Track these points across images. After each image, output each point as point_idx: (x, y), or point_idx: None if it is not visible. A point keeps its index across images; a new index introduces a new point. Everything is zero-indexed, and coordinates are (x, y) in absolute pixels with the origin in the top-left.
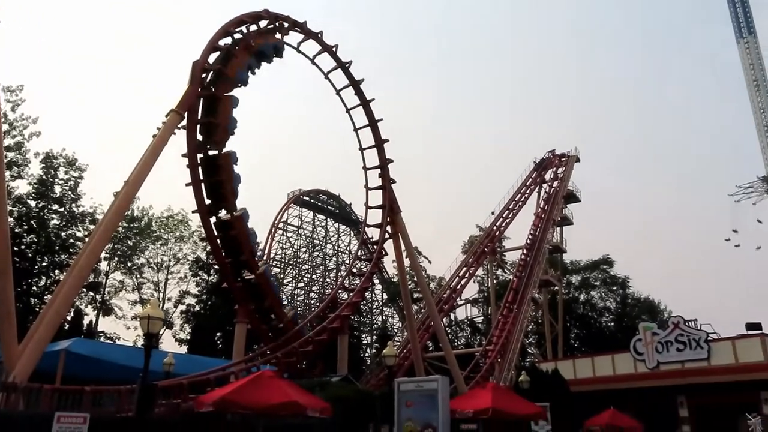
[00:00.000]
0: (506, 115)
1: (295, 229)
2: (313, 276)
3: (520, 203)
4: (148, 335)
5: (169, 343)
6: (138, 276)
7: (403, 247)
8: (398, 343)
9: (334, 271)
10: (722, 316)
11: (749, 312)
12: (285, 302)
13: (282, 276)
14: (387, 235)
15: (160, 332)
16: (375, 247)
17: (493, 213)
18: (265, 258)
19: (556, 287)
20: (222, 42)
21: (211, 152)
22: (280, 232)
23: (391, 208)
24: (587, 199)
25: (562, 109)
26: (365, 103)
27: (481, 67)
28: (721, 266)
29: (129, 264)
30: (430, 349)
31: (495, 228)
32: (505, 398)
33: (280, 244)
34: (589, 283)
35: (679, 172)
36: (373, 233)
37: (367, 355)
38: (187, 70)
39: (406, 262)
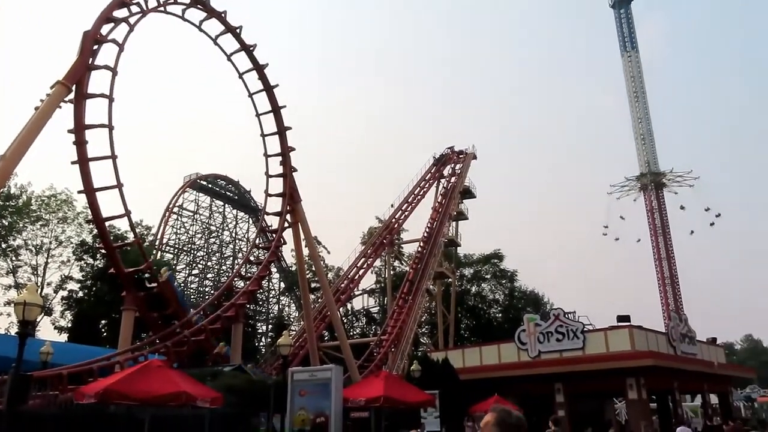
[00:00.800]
0: (409, 110)
1: (191, 214)
2: (209, 263)
3: (419, 197)
4: (24, 322)
5: (47, 331)
6: (13, 258)
7: (302, 237)
8: (294, 333)
9: (231, 258)
10: (597, 309)
11: (623, 304)
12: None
13: (175, 262)
14: (286, 224)
15: (38, 319)
16: (274, 235)
17: (392, 206)
18: (157, 243)
19: (450, 279)
20: (117, 13)
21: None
22: (175, 216)
23: (291, 196)
24: (482, 195)
25: (463, 108)
26: (269, 89)
27: (390, 60)
28: (600, 260)
29: (3, 245)
30: (326, 338)
31: (394, 220)
32: (397, 387)
33: (174, 229)
34: (481, 276)
35: (570, 173)
36: (273, 221)
37: (262, 344)
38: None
39: (305, 251)
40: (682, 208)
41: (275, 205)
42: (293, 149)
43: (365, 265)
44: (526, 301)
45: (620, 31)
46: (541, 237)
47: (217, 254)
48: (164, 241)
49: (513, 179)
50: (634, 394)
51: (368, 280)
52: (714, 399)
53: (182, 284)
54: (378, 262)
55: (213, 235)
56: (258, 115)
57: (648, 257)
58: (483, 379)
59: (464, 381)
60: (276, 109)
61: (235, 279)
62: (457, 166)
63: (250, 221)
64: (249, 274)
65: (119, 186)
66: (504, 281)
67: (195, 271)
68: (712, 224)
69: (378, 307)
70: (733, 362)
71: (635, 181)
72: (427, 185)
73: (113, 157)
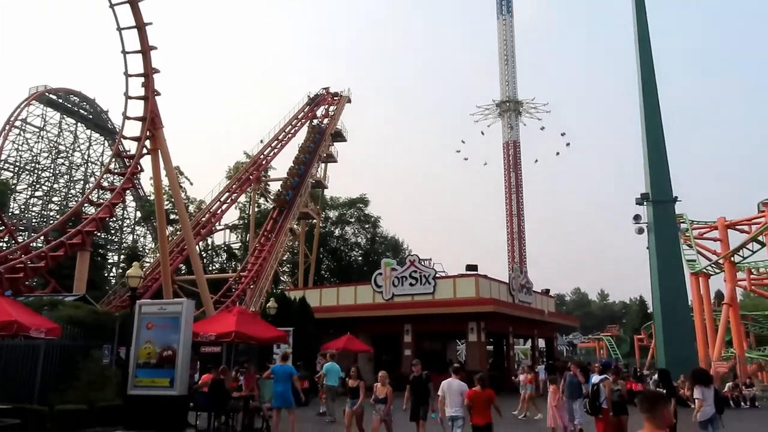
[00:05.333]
0: (287, 46)
1: (36, 130)
2: (55, 185)
3: (290, 135)
4: None
5: None
6: None
7: (162, 165)
8: (149, 265)
9: (82, 182)
10: (454, 257)
11: (479, 252)
12: (17, 211)
13: (15, 182)
14: (145, 150)
15: None
16: (130, 161)
17: (261, 141)
18: None
19: (315, 220)
20: None
21: None
22: (17, 131)
23: (152, 121)
24: (353, 140)
25: (342, 51)
26: (133, 2)
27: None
28: (462, 210)
29: None
30: (183, 272)
31: (262, 157)
32: (250, 323)
33: (16, 145)
34: (345, 220)
35: (438, 130)
36: (131, 146)
37: (112, 275)
38: None
39: (165, 180)
40: (542, 129)
41: (134, 129)
42: (157, 71)
43: (229, 200)
44: (387, 246)
45: None
46: (407, 187)
47: (65, 176)
48: (2, 157)
49: (384, 129)
50: (474, 336)
51: (231, 216)
52: (542, 343)
53: (23, 207)
54: (243, 198)
55: (62, 155)
56: (119, 29)
57: (502, 216)
58: (338, 318)
59: (320, 320)
60: (141, 26)
61: (85, 205)
62: (331, 108)
63: (106, 144)
64: (101, 201)
65: None
66: (367, 226)
67: (39, 194)
68: (557, 153)
69: (240, 244)
70: (561, 312)
71: (496, 107)
72: (299, 124)
73: None
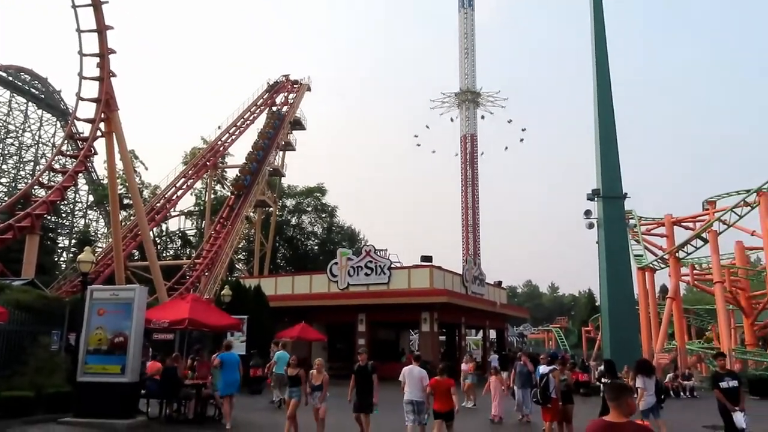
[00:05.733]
0: (248, 32)
1: None
2: (3, 166)
3: (249, 122)
4: None
5: None
6: None
7: (116, 149)
8: (101, 250)
9: (32, 163)
10: (410, 247)
11: (434, 244)
12: None
13: None
14: (99, 133)
15: None
16: (84, 143)
17: (219, 127)
18: None
19: (271, 209)
20: None
21: None
22: None
23: (107, 103)
24: (312, 129)
25: (303, 39)
26: None
27: None
28: (419, 202)
29: None
30: (136, 258)
31: (220, 143)
32: (203, 310)
33: None
34: (302, 209)
35: (398, 122)
36: (85, 128)
37: (63, 259)
38: None
39: (119, 164)
40: (509, 121)
41: (89, 110)
42: (114, 51)
43: (185, 186)
44: (343, 236)
45: None
46: (366, 177)
47: (14, 157)
48: None
49: (344, 118)
50: (427, 326)
51: (187, 202)
52: (493, 334)
53: None
54: (199, 184)
55: (11, 135)
56: (74, 6)
57: (459, 208)
58: (293, 307)
59: (275, 308)
60: (97, 5)
61: (35, 187)
62: (291, 96)
63: (58, 125)
64: (52, 183)
65: None
66: (324, 215)
67: None
68: (521, 140)
69: (195, 230)
70: (513, 304)
71: (455, 96)
72: (258, 111)
73: None
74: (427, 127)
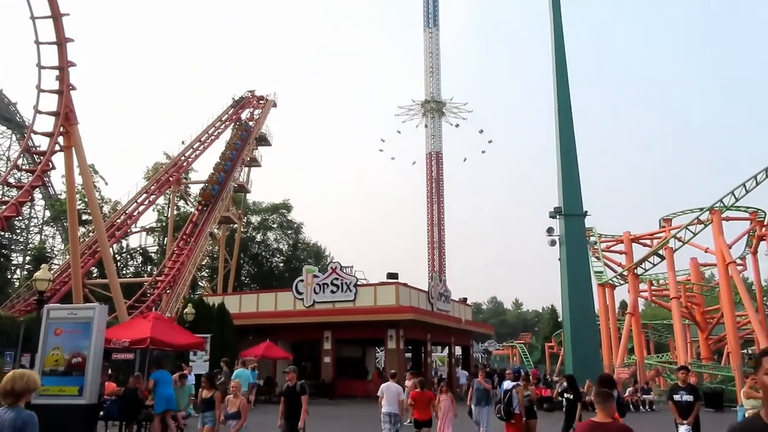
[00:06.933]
0: (213, 48)
1: None
2: None
3: (213, 137)
4: None
5: None
6: None
7: (76, 163)
8: (58, 267)
9: None
10: (375, 264)
11: (402, 261)
12: None
13: None
14: (58, 147)
15: None
16: (41, 157)
17: (183, 143)
18: None
19: (236, 225)
20: None
21: None
22: None
23: (66, 116)
24: (278, 145)
25: (269, 55)
26: None
27: None
28: (387, 219)
29: None
30: (95, 275)
31: (183, 158)
32: (165, 329)
33: None
34: (268, 225)
35: (364, 138)
36: (42, 142)
37: (16, 277)
38: None
39: (78, 179)
40: (481, 131)
41: (47, 124)
42: (74, 64)
43: (146, 202)
44: (309, 252)
45: (426, 8)
46: (333, 193)
47: None
48: None
49: (310, 135)
50: (393, 344)
51: (149, 218)
52: (459, 350)
53: None
54: (161, 200)
55: None
56: (33, 18)
57: (424, 225)
58: (258, 324)
59: (239, 326)
60: (57, 16)
61: None
62: (256, 112)
63: (14, 138)
64: (6, 198)
65: None
66: (290, 232)
67: None
68: (483, 151)
69: (157, 247)
70: (478, 320)
71: (420, 106)
72: (223, 126)
73: None
74: (399, 132)
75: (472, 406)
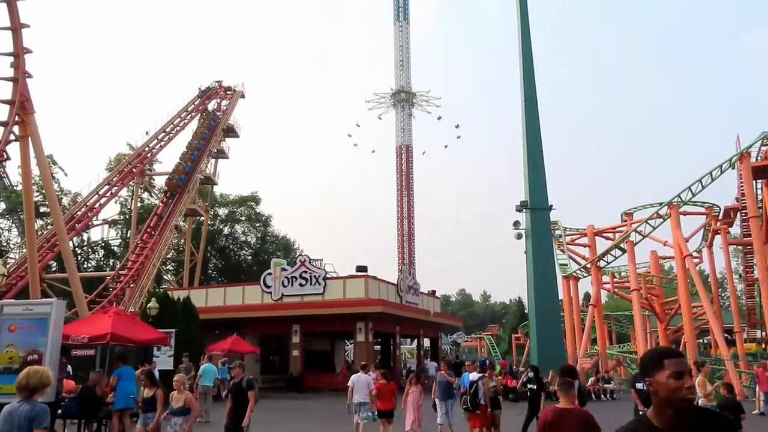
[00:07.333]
0: (179, 34)
1: None
2: None
3: (179, 128)
4: None
5: None
6: None
7: (32, 154)
8: (14, 261)
9: None
10: (344, 256)
11: (372, 253)
12: None
13: None
14: (13, 137)
15: None
16: None
17: (147, 133)
18: None
19: (203, 218)
20: None
21: None
22: None
23: (22, 105)
24: (247, 136)
25: (237, 46)
26: None
27: None
28: (356, 212)
29: None
30: (54, 269)
31: (147, 149)
32: (127, 324)
33: None
34: (235, 218)
35: (334, 128)
36: None
37: None
38: None
39: (35, 170)
40: (457, 126)
41: (1, 113)
42: (29, 51)
43: (109, 194)
44: (278, 245)
45: (396, 2)
46: (301, 186)
47: None
48: None
49: (279, 126)
50: (362, 336)
51: (111, 210)
52: (427, 343)
53: None
54: (124, 192)
55: None
56: None
57: (394, 218)
58: (225, 319)
59: (206, 320)
60: (11, 1)
61: None
62: (224, 102)
63: None
64: None
65: None
66: (258, 224)
67: None
68: (446, 146)
69: (120, 240)
70: (447, 312)
71: (390, 97)
72: (189, 117)
73: None
74: (358, 126)
75: (436, 400)
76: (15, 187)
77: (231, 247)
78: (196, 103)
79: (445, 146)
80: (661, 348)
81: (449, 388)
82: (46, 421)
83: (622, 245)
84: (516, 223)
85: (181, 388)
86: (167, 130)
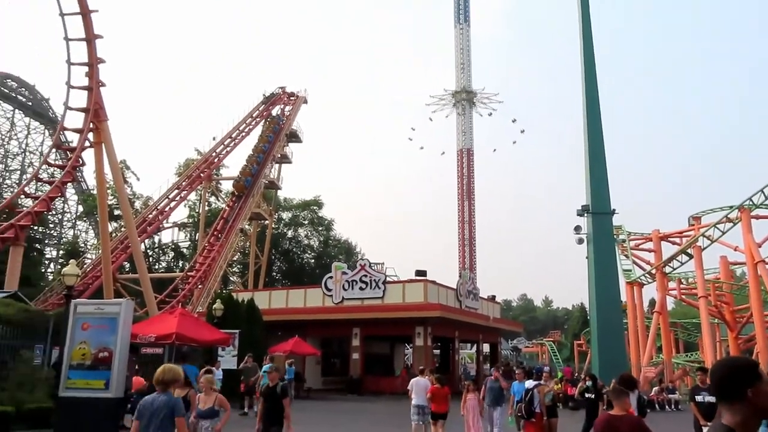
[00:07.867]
0: (245, 43)
1: None
2: None
3: (244, 134)
4: None
5: None
6: None
7: (106, 159)
8: (90, 262)
9: (18, 173)
10: (404, 260)
11: (434, 258)
12: None
13: None
14: (88, 143)
15: None
16: (72, 153)
17: (214, 139)
18: None
19: (267, 221)
20: None
21: None
22: None
23: (96, 113)
24: (309, 141)
25: (300, 52)
26: None
27: None
28: (419, 218)
29: None
30: (127, 270)
31: (214, 154)
32: (192, 325)
33: None
34: (299, 222)
35: (395, 139)
36: (73, 138)
37: (50, 271)
38: None
39: (109, 175)
40: (514, 121)
41: (77, 120)
42: (103, 61)
43: (178, 198)
44: (340, 249)
45: (456, 4)
46: (363, 190)
47: (0, 165)
48: None
49: (341, 132)
50: (421, 341)
51: (180, 214)
52: (487, 348)
53: None
54: (193, 196)
55: None
56: (62, 14)
57: (454, 222)
58: (287, 321)
59: (268, 322)
60: (86, 13)
61: (21, 197)
62: (287, 108)
63: (47, 133)
64: (39, 193)
65: None
66: (321, 228)
67: None
68: (514, 142)
69: (189, 243)
70: (507, 317)
71: (451, 96)
72: (254, 123)
73: None
74: (413, 129)
75: (486, 406)
76: (91, 192)
77: (294, 250)
78: (260, 108)
79: (514, 142)
80: (743, 358)
81: (501, 394)
82: (182, 411)
83: (689, 250)
84: (577, 228)
85: (209, 389)
86: (233, 135)
